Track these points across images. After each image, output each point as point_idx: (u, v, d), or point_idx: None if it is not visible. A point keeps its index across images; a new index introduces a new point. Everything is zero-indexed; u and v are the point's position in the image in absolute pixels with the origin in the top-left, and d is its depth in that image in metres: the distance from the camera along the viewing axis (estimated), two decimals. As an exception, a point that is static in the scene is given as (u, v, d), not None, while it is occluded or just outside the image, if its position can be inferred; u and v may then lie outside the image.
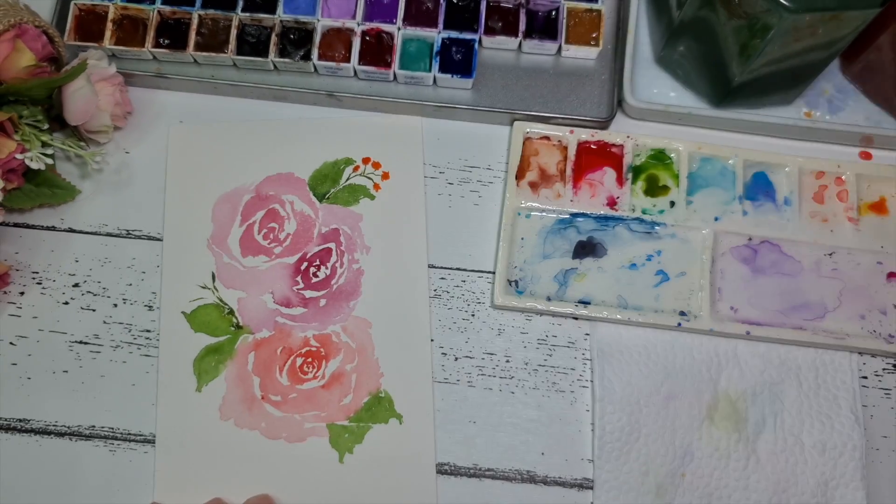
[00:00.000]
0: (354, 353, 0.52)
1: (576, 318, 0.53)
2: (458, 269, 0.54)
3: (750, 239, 0.54)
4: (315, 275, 0.54)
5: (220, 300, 0.53)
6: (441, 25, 0.55)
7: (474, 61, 0.55)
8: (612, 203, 0.54)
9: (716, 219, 0.54)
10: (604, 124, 0.56)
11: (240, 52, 0.55)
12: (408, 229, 0.55)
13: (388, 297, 0.53)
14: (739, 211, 0.54)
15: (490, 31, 0.56)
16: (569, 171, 0.55)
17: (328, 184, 0.55)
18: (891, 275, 0.53)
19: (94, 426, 0.51)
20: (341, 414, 0.51)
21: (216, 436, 0.51)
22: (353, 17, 0.55)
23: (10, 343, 0.53)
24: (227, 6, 0.55)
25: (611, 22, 0.57)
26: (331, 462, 0.50)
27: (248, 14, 0.55)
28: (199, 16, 0.55)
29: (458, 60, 0.55)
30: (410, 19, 0.55)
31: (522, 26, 0.55)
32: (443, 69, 0.54)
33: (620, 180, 0.55)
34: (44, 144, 0.52)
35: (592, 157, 0.55)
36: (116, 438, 0.51)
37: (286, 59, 0.55)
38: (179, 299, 0.53)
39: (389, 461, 0.50)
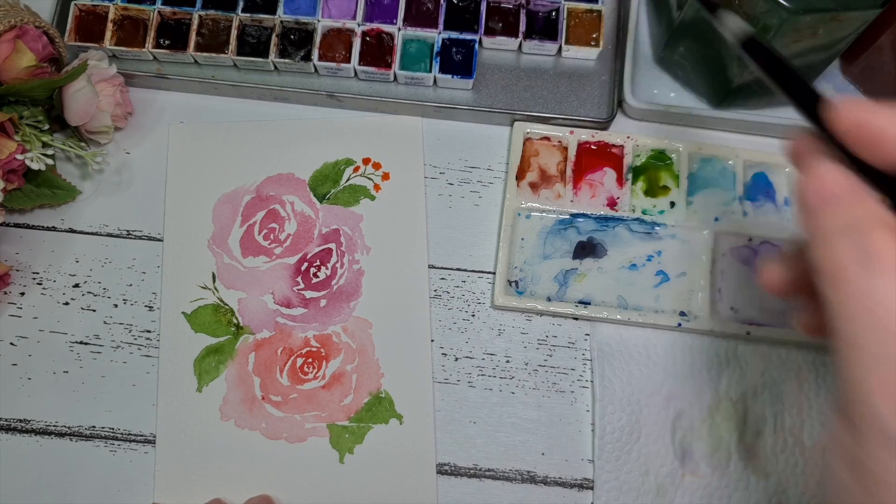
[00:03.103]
0: (355, 353, 0.52)
1: (576, 319, 0.53)
2: (458, 269, 0.54)
3: (750, 239, 0.54)
4: (315, 275, 0.54)
5: (221, 301, 0.53)
6: (441, 26, 0.55)
7: (474, 62, 0.55)
8: (612, 203, 0.54)
9: (716, 219, 0.54)
10: (604, 125, 0.56)
11: (240, 52, 0.55)
12: (408, 230, 0.55)
13: (389, 298, 0.53)
14: (740, 211, 0.54)
15: (490, 31, 0.56)
16: (569, 172, 0.55)
17: (328, 184, 0.55)
18: (891, 275, 0.53)
19: (94, 426, 0.51)
20: (342, 414, 0.51)
21: (217, 436, 0.51)
22: (354, 17, 0.55)
23: (11, 343, 0.53)
24: (227, 7, 0.55)
25: (611, 22, 0.57)
26: (331, 462, 0.50)
27: (248, 14, 0.55)
28: (200, 16, 0.55)
29: (458, 61, 0.55)
30: (411, 20, 0.55)
31: (523, 27, 0.55)
32: (443, 70, 0.54)
33: (620, 181, 0.55)
34: (44, 145, 0.52)
35: (592, 158, 0.55)
36: (117, 439, 0.51)
37: (286, 60, 0.55)
38: (180, 300, 0.53)
39: (390, 461, 0.50)
